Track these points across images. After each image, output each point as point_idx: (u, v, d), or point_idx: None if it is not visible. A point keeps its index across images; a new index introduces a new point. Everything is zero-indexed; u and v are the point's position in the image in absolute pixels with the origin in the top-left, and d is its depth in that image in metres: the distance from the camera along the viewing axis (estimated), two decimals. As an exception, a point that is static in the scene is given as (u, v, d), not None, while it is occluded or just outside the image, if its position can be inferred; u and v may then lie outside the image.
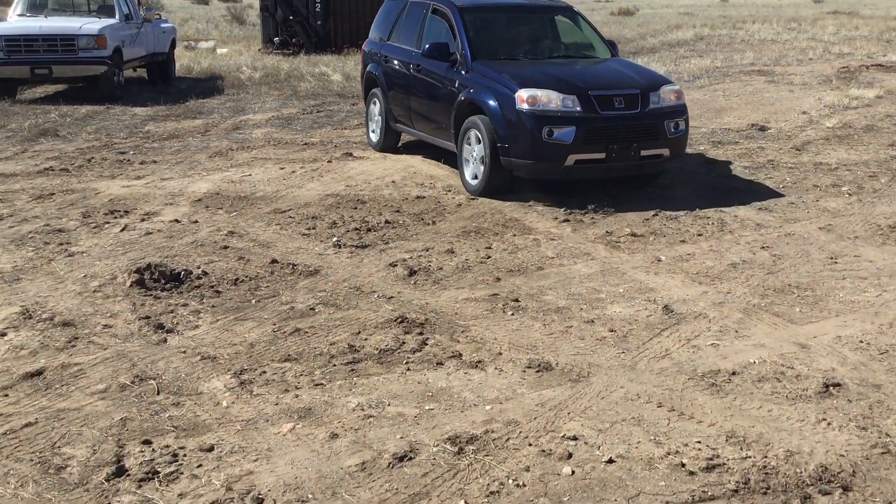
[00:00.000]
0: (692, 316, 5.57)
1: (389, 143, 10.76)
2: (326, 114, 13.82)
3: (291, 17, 25.64)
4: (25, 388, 4.49)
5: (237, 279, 6.15)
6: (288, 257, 6.64)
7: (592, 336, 5.25)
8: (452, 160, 9.61)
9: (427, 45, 9.25)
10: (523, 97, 8.06)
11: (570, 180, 8.70)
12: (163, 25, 17.99)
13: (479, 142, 8.49)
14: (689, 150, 10.85)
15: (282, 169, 9.80)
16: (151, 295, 5.84)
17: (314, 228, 7.45)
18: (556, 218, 7.85)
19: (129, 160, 10.28)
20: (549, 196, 8.50)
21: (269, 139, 11.67)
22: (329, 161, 10.24)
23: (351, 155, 10.59)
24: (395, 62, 10.30)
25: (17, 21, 15.00)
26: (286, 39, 25.50)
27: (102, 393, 4.44)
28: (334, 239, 7.14)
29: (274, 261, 6.52)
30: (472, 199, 8.51)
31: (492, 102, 8.27)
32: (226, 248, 6.88)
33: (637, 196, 8.62)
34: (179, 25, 36.42)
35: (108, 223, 7.53)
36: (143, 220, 7.67)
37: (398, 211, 8.06)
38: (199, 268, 6.35)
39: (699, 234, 7.39)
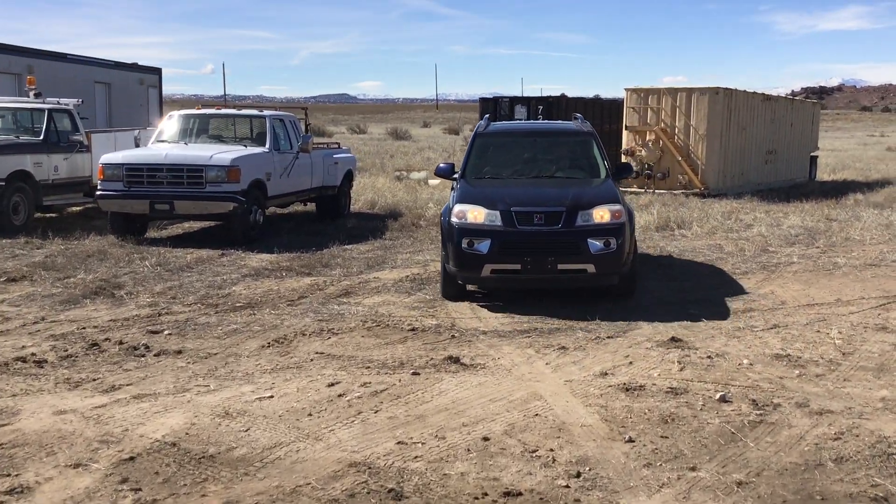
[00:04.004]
0: None
1: None
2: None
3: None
4: None
5: None
6: None
7: None
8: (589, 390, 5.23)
9: (438, 166, 9.99)
10: (455, 211, 8.57)
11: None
12: (336, 156, 15.11)
13: None
14: None
15: (331, 386, 5.84)
16: None
17: (231, 593, 3.35)
18: None
19: (147, 346, 6.82)
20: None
21: (370, 317, 7.83)
22: (415, 373, 6.17)
23: (457, 361, 6.46)
24: None
25: (148, 148, 12.59)
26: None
27: None
28: None
29: None
30: (613, 512, 4.06)
31: (444, 217, 8.85)
32: None
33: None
34: (414, 154, 34.75)
35: None
36: (-32, 514, 3.98)
37: (445, 539, 3.78)
38: None
39: None
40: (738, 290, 9.37)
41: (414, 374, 6.14)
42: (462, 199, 8.71)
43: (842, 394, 5.86)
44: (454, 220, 8.49)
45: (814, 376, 6.24)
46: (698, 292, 9.29)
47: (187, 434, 4.95)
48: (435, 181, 22.70)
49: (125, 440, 4.85)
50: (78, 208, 15.04)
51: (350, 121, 66.53)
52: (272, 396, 5.63)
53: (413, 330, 7.42)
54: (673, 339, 7.16)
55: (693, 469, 4.57)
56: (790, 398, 5.72)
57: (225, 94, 79.98)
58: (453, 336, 7.27)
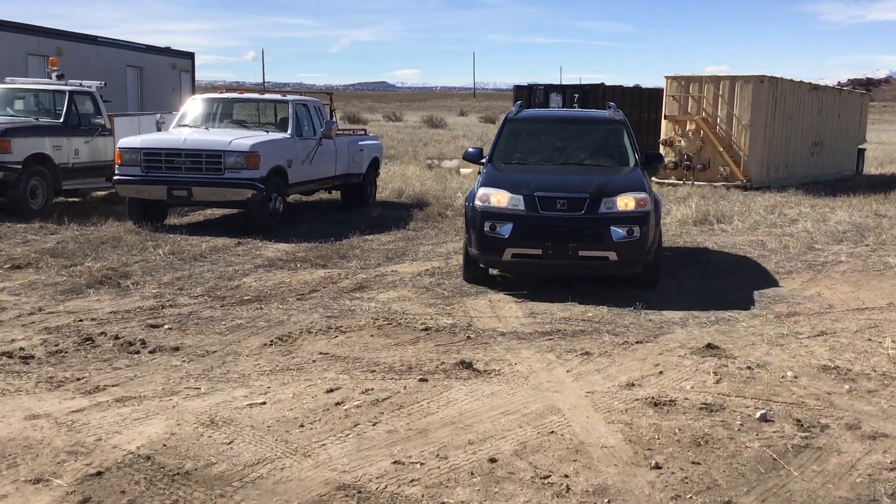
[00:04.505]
0: None
1: None
2: (514, 276, 9.29)
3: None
4: None
5: None
6: None
7: None
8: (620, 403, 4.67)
9: (467, 150, 9.75)
10: (479, 195, 8.44)
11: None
12: (362, 143, 14.60)
13: None
14: None
15: (329, 392, 5.33)
16: None
17: None
18: None
19: (143, 342, 6.37)
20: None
21: (382, 314, 7.32)
22: (422, 379, 5.63)
23: (470, 366, 5.91)
24: None
25: (168, 132, 12.19)
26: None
27: None
28: None
29: None
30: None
31: (468, 201, 8.70)
32: None
33: None
34: (448, 142, 34.10)
35: None
36: None
37: (434, 587, 3.24)
38: None
39: None
40: (782, 292, 8.69)
41: (421, 380, 5.60)
42: (487, 183, 8.59)
43: (898, 414, 5.21)
44: (478, 203, 8.39)
45: (865, 392, 5.59)
46: (738, 292, 8.63)
47: (165, 446, 4.47)
48: (466, 170, 22.14)
49: (96, 451, 4.38)
50: (102, 193, 14.73)
51: (387, 108, 66.12)
52: (265, 403, 5.13)
53: (426, 330, 6.89)
54: (709, 345, 6.54)
55: (728, 503, 3.98)
56: (839, 418, 5.09)
57: (264, 81, 79.80)
58: (469, 337, 6.72)
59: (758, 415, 5.06)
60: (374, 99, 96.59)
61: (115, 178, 11.35)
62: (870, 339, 6.86)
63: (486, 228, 8.24)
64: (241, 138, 11.31)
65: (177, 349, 6.27)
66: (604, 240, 8.12)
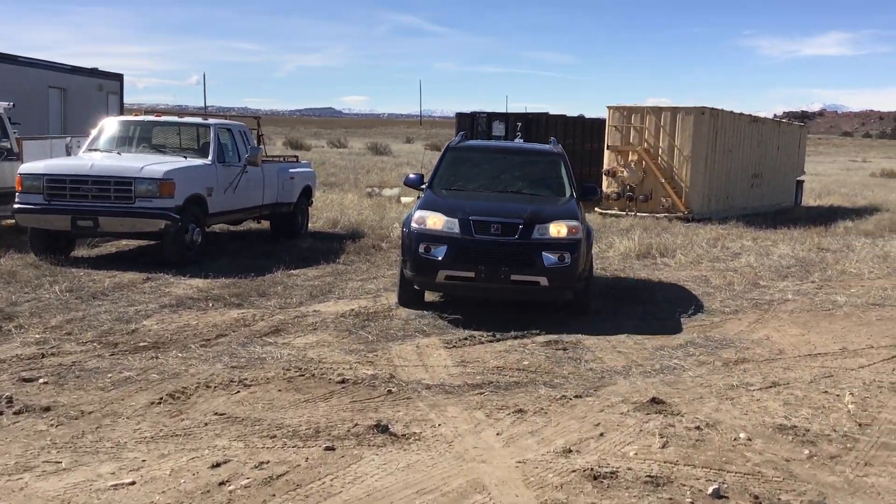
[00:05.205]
0: None
1: None
2: (448, 305, 8.57)
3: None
4: None
5: None
6: None
7: None
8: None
9: (408, 176, 9.81)
10: (415, 217, 8.52)
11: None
12: (292, 170, 13.76)
13: None
14: None
15: (215, 467, 4.50)
16: None
17: None
18: None
19: (10, 400, 5.43)
20: None
21: (294, 364, 6.49)
22: (329, 447, 4.82)
23: (386, 430, 5.12)
24: None
25: (77, 157, 11.20)
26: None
27: None
28: None
29: None
30: None
31: (405, 225, 8.68)
32: None
33: None
34: (391, 170, 33.37)
35: None
36: None
37: None
38: None
39: None
40: (729, 335, 8.10)
41: (328, 448, 4.80)
42: (424, 206, 8.69)
43: (865, 486, 4.58)
44: (414, 225, 8.46)
45: (828, 458, 4.96)
46: (683, 335, 8.04)
47: (-6, 546, 3.60)
48: (407, 198, 21.44)
49: None
50: (10, 222, 13.59)
51: (332, 135, 65.20)
52: (133, 483, 4.27)
53: (343, 382, 6.09)
54: (654, 399, 5.87)
55: None
56: (801, 493, 4.43)
57: (205, 105, 78.15)
58: (390, 391, 5.95)
59: (710, 490, 4.38)
60: (319, 125, 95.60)
61: (15, 206, 10.33)
62: (826, 392, 6.27)
63: (421, 250, 8.27)
64: (155, 164, 10.40)
65: (47, 409, 5.36)
66: (535, 265, 8.16)
